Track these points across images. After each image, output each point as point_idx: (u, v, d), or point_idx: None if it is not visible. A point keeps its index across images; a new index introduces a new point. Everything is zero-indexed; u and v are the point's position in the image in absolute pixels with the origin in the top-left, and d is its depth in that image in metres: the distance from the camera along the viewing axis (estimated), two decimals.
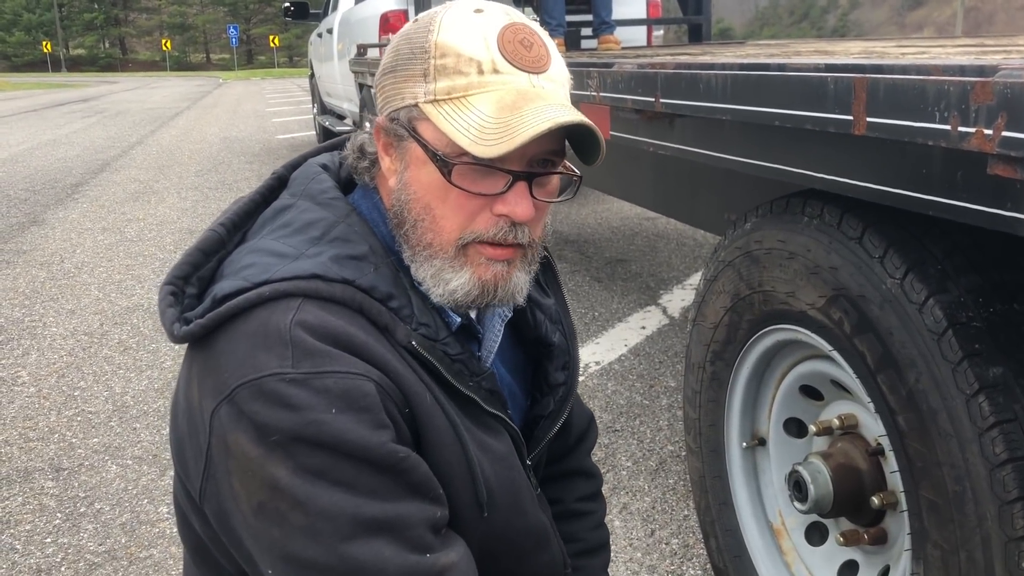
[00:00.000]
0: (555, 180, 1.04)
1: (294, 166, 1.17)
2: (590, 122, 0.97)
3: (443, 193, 0.99)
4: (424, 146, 0.98)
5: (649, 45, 6.60)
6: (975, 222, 1.00)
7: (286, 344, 0.91)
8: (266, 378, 0.90)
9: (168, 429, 1.08)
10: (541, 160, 1.01)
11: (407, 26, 1.03)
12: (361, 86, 6.33)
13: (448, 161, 0.97)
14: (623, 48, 5.08)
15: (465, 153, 0.95)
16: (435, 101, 0.97)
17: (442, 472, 1.00)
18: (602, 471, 2.89)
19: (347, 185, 1.13)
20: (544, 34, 1.02)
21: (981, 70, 0.92)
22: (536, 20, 4.95)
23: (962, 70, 0.95)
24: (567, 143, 1.03)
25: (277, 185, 1.14)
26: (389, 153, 1.04)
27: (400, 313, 1.00)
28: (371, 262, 1.01)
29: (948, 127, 0.92)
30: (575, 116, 0.96)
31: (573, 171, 1.06)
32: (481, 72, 0.96)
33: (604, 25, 5.09)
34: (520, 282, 1.06)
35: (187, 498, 1.03)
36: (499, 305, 1.08)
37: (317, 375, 0.90)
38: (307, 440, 0.89)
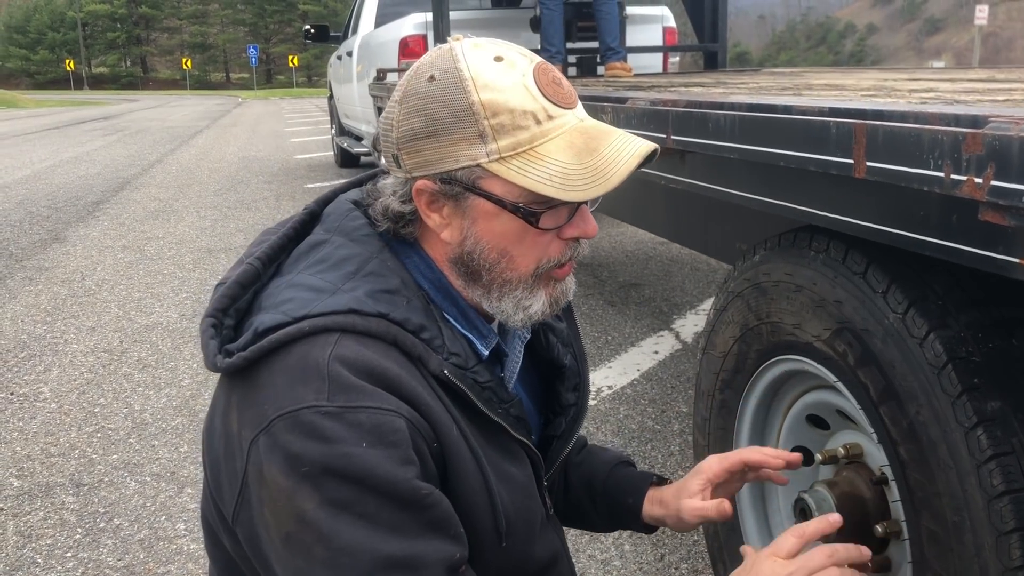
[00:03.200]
0: None
1: (325, 201, 1.21)
2: (655, 145, 1.06)
3: (519, 237, 1.05)
4: (498, 201, 1.03)
5: (665, 72, 6.65)
6: (969, 263, 1.05)
7: (323, 378, 0.95)
8: (303, 410, 0.94)
9: (201, 450, 1.12)
10: None
11: (424, 86, 1.03)
12: (379, 109, 6.42)
13: (535, 212, 1.03)
14: (635, 75, 5.11)
15: (551, 199, 1.01)
16: (501, 159, 1.01)
17: (465, 502, 1.03)
18: None
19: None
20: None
21: (974, 120, 0.97)
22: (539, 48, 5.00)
23: (956, 120, 0.99)
24: None
25: (309, 220, 1.18)
26: (436, 211, 1.07)
27: (432, 344, 1.04)
28: (404, 295, 1.05)
29: (942, 174, 0.97)
30: (646, 143, 1.05)
31: None
32: (539, 122, 1.00)
33: (610, 52, 5.10)
34: (572, 284, 1.16)
35: (219, 518, 1.08)
36: (558, 312, 1.15)
37: (351, 409, 0.94)
38: (336, 472, 0.93)
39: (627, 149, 1.03)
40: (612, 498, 1.42)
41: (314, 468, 0.93)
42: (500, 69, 1.01)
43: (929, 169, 0.99)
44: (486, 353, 1.13)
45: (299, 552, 0.94)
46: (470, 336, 1.11)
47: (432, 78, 1.02)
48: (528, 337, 1.24)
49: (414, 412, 0.98)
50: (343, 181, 1.27)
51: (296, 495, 0.93)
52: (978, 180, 0.91)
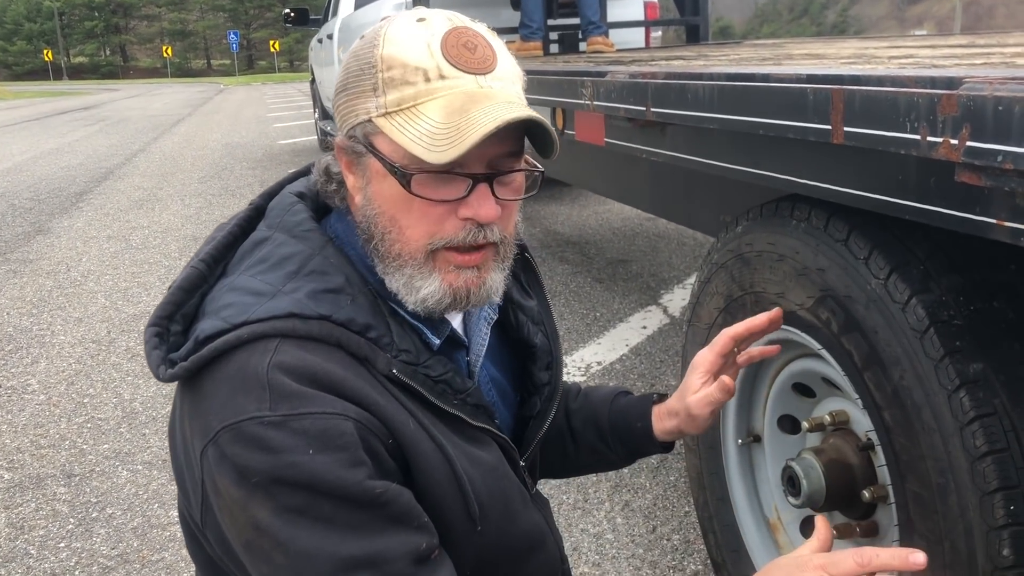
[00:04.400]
0: (519, 177, 1.05)
1: (270, 195, 1.17)
2: (538, 116, 0.97)
3: (406, 204, 1.00)
4: (382, 159, 0.99)
5: (647, 47, 6.63)
6: (947, 226, 1.05)
7: (264, 387, 0.93)
8: (245, 422, 0.92)
9: (169, 450, 1.11)
10: (503, 158, 1.01)
11: (356, 43, 1.04)
12: None
13: (406, 172, 0.98)
14: (618, 51, 5.09)
15: (421, 161, 0.95)
16: (387, 114, 0.98)
17: (434, 493, 1.02)
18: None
19: (325, 209, 1.14)
20: (491, 35, 1.03)
21: (949, 82, 0.97)
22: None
23: (932, 82, 1.00)
24: (527, 140, 1.04)
25: (255, 216, 1.15)
26: (352, 171, 1.05)
27: (379, 342, 1.02)
28: (348, 294, 1.02)
29: (918, 137, 0.97)
30: (522, 112, 0.96)
31: (535, 166, 1.07)
32: (428, 80, 0.97)
33: (592, 26, 5.06)
34: (495, 282, 1.07)
35: (192, 520, 1.07)
36: (476, 308, 1.11)
37: (294, 417, 0.92)
38: (285, 481, 0.92)
39: (495, 113, 0.95)
40: (621, 430, 1.40)
41: (263, 478, 0.92)
42: (413, 28, 1.00)
43: (905, 132, 0.99)
44: (437, 343, 1.10)
45: (260, 558, 0.95)
46: (421, 327, 1.09)
47: (363, 37, 1.03)
48: (495, 317, 1.22)
49: (363, 412, 0.96)
50: (290, 172, 1.23)
51: (250, 505, 0.93)
52: (953, 141, 0.91)
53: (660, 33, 7.56)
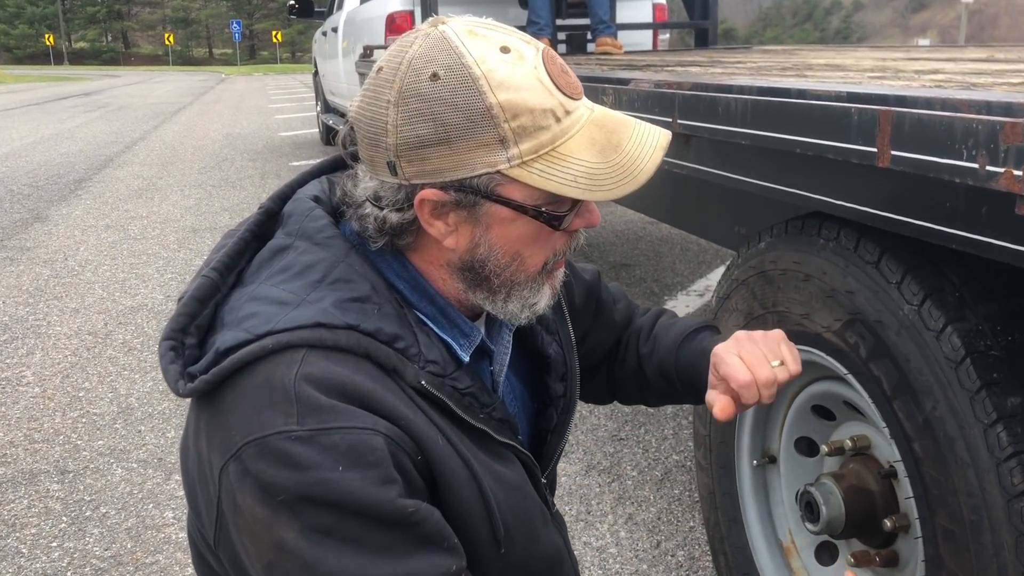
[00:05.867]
0: None
1: (282, 197, 1.12)
2: (670, 132, 1.02)
3: (534, 239, 1.00)
4: (519, 207, 0.96)
5: (654, 49, 6.59)
6: (1001, 259, 1.00)
7: (291, 400, 0.89)
8: (271, 437, 0.88)
9: (179, 468, 1.06)
10: None
11: (426, 86, 0.92)
12: None
13: (559, 215, 0.98)
14: (626, 52, 5.04)
15: (561, 200, 0.97)
16: (522, 164, 0.93)
17: (460, 512, 0.99)
18: (607, 481, 2.91)
19: (337, 214, 1.10)
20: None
21: (1007, 108, 0.92)
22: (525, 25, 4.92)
23: (988, 107, 0.95)
24: None
25: (265, 219, 1.10)
26: (440, 219, 0.99)
27: (407, 353, 0.98)
28: (374, 302, 0.98)
29: (976, 166, 0.92)
30: (663, 132, 1.01)
31: None
32: (558, 120, 0.94)
33: (602, 25, 5.01)
34: (562, 269, 1.13)
35: (203, 540, 1.03)
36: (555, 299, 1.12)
37: (323, 431, 0.88)
38: (313, 500, 0.87)
39: (649, 142, 0.98)
40: (690, 378, 1.37)
41: (290, 496, 0.87)
42: (511, 63, 0.93)
43: (961, 160, 0.94)
44: (466, 358, 1.07)
45: None
46: (448, 339, 1.05)
47: (435, 76, 0.91)
48: (515, 325, 1.18)
49: (393, 427, 0.92)
50: (299, 175, 1.17)
51: (275, 524, 0.88)
52: (1017, 172, 0.86)
53: (668, 35, 7.52)
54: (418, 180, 0.96)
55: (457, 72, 0.91)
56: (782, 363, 1.23)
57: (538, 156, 0.93)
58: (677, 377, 1.38)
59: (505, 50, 0.94)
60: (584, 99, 0.99)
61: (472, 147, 0.92)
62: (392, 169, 0.96)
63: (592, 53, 5.20)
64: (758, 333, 1.27)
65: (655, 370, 1.41)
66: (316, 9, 10.13)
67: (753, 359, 1.22)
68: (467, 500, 0.99)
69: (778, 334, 1.27)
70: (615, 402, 1.54)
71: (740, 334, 1.27)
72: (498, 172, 0.93)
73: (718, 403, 1.22)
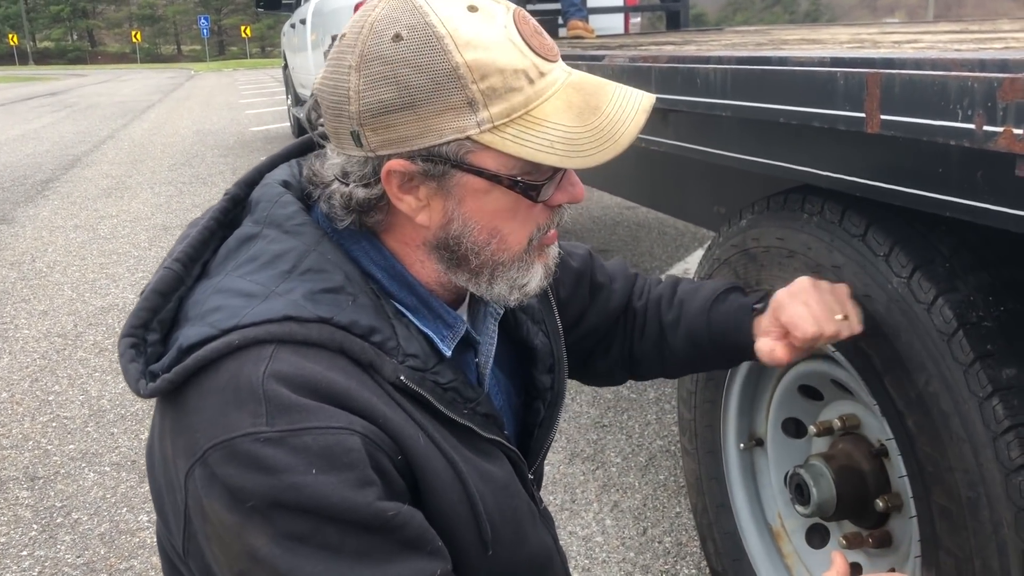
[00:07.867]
0: None
1: (249, 183, 1.05)
2: (653, 95, 0.97)
3: (512, 212, 0.94)
4: (493, 177, 0.90)
5: (627, 33, 6.54)
6: (1000, 225, 0.95)
7: (259, 400, 0.83)
8: (239, 439, 0.82)
9: (146, 472, 1.01)
10: None
11: (387, 48, 0.86)
12: None
13: (535, 184, 0.91)
14: (599, 36, 4.99)
15: (540, 168, 0.90)
16: (494, 128, 0.87)
17: (444, 514, 0.93)
18: (591, 469, 2.86)
19: (308, 198, 1.03)
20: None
21: (1004, 65, 0.87)
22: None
23: (982, 65, 0.90)
24: None
25: (231, 207, 1.03)
26: (410, 192, 0.92)
27: (385, 347, 0.92)
28: (348, 293, 0.92)
29: (972, 126, 0.87)
30: (645, 94, 0.95)
31: None
32: (532, 81, 0.88)
33: (573, 7, 4.95)
34: (556, 247, 1.06)
35: (172, 548, 0.97)
36: (551, 280, 1.06)
37: (294, 432, 0.82)
38: (286, 505, 0.81)
39: (630, 104, 0.91)
40: (723, 337, 1.34)
41: (260, 502, 0.82)
42: (479, 21, 0.87)
43: (956, 120, 0.89)
44: (448, 352, 1.00)
45: None
46: (430, 333, 0.99)
47: (398, 36, 0.86)
48: (500, 313, 1.13)
49: (370, 426, 0.87)
50: (267, 158, 1.10)
51: (245, 532, 0.82)
52: (1017, 131, 0.82)
53: (639, 20, 7.47)
54: (384, 151, 0.90)
55: (420, 31, 0.86)
56: (845, 318, 1.22)
57: (511, 120, 0.87)
58: (709, 339, 1.34)
59: (473, 9, 0.88)
60: (560, 62, 0.93)
61: (439, 111, 0.86)
62: (357, 139, 0.90)
63: (564, 37, 5.14)
64: (824, 283, 1.27)
65: (684, 335, 1.37)
66: (283, 2, 10.01)
67: (820, 310, 1.23)
68: (452, 501, 0.94)
69: (846, 288, 1.27)
70: (607, 386, 1.51)
71: (805, 280, 1.26)
72: (468, 138, 0.87)
73: (779, 349, 1.25)
